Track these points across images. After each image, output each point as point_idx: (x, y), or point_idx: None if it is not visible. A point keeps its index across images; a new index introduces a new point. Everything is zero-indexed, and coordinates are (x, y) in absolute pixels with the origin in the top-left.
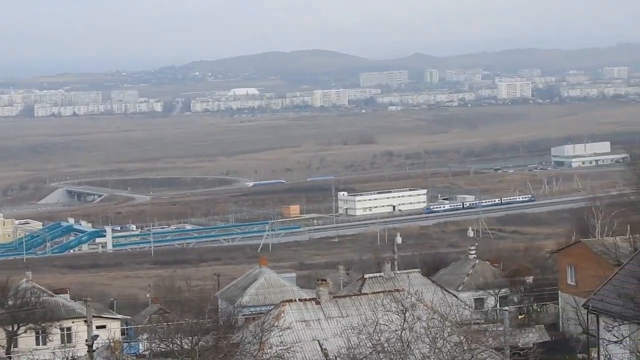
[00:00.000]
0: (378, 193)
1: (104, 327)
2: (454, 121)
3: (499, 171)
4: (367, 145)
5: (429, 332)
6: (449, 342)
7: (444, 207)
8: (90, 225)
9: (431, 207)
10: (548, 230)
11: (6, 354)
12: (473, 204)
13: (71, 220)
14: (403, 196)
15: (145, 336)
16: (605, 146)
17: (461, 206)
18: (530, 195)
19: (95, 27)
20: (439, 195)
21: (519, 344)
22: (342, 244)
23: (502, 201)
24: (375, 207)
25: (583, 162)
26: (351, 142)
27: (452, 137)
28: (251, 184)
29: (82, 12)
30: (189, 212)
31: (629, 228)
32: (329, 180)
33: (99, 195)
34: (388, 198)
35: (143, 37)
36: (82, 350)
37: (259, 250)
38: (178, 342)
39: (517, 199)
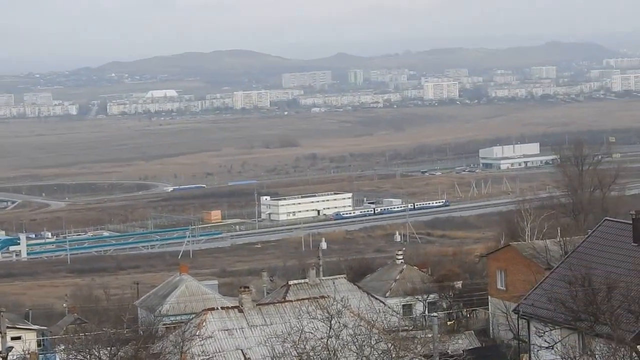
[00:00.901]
0: (302, 197)
1: (19, 338)
2: (380, 123)
3: (426, 174)
4: (290, 148)
5: (355, 340)
6: (376, 350)
7: (353, 213)
8: (3, 232)
9: (341, 213)
10: (477, 234)
11: None
12: (384, 209)
13: None
14: (327, 200)
15: (62, 347)
16: (534, 147)
17: (372, 212)
18: (444, 200)
19: (5, 27)
20: (365, 199)
21: (448, 351)
22: (265, 250)
23: (415, 206)
24: (299, 211)
25: (512, 164)
26: (273, 145)
27: (378, 140)
28: (170, 189)
29: None
30: (107, 219)
31: (559, 231)
32: (251, 184)
33: (13, 202)
34: (312, 202)
35: (56, 37)
36: None
37: (179, 258)
38: (96, 353)
39: (431, 204)
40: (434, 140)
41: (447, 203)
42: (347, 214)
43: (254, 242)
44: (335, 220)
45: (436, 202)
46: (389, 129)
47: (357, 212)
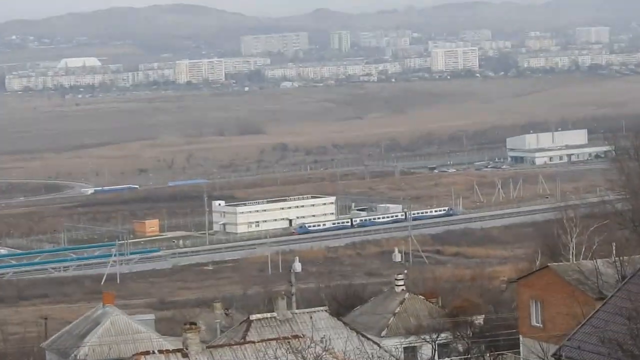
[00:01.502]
0: (268, 202)
1: None
2: (373, 103)
3: (435, 171)
4: (252, 136)
5: None
6: None
7: (324, 225)
8: None
9: (306, 225)
10: (504, 251)
11: None
12: (366, 220)
13: None
14: (303, 206)
15: None
16: (580, 136)
17: (349, 224)
18: (447, 209)
19: None
20: (353, 204)
21: None
22: (218, 273)
23: (409, 216)
24: (265, 221)
25: (550, 158)
26: (230, 133)
27: (370, 125)
28: (91, 190)
29: None
30: (4, 231)
31: (614, 247)
32: (199, 185)
33: None
34: (282, 209)
35: None
36: None
37: (102, 283)
38: None
39: (429, 213)
40: (446, 127)
41: (452, 212)
42: (314, 225)
43: (203, 263)
44: (299, 234)
45: (434, 211)
46: (385, 111)
47: (329, 224)
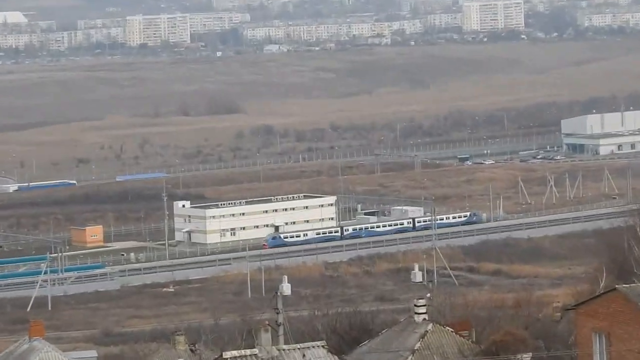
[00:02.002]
0: (247, 204)
1: None
2: (385, 73)
3: (468, 163)
4: (226, 116)
5: None
6: None
7: (305, 235)
8: None
9: (281, 235)
10: (558, 269)
11: None
12: (361, 228)
13: None
14: (294, 208)
15: None
16: None
17: (337, 234)
18: (469, 214)
19: None
20: (359, 207)
21: None
22: (182, 296)
23: (416, 224)
24: (243, 229)
25: (619, 146)
26: (197, 112)
27: (382, 102)
28: (14, 187)
29: None
30: None
31: None
32: (156, 180)
33: None
34: (266, 213)
35: None
36: None
37: (28, 310)
38: None
39: (446, 220)
40: (481, 104)
41: (476, 218)
42: (291, 236)
43: (162, 283)
44: (270, 247)
45: (451, 217)
46: (401, 84)
47: (312, 234)
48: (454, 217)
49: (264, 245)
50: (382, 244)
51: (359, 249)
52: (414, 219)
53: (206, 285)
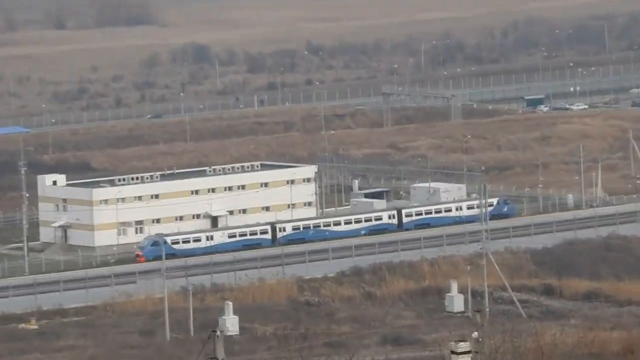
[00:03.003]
0: (163, 179)
1: None
2: None
3: (542, 108)
4: (129, 29)
5: None
6: None
7: (210, 239)
8: None
9: (167, 239)
10: None
11: None
12: (303, 227)
13: None
14: (244, 186)
15: None
16: None
17: (267, 236)
18: (496, 202)
19: None
20: (355, 182)
21: None
22: (53, 337)
23: (403, 219)
24: (156, 221)
25: None
26: (80, 23)
27: (392, 4)
28: None
29: None
30: None
31: None
32: (9, 137)
33: None
34: (196, 194)
35: None
36: None
37: None
38: None
39: (455, 212)
40: (566, 7)
41: (508, 208)
42: (185, 241)
43: (16, 315)
44: (149, 260)
45: (458, 206)
46: None
47: (220, 238)
48: (468, 207)
49: (138, 255)
50: (395, 246)
51: (355, 255)
52: (399, 210)
53: (93, 319)
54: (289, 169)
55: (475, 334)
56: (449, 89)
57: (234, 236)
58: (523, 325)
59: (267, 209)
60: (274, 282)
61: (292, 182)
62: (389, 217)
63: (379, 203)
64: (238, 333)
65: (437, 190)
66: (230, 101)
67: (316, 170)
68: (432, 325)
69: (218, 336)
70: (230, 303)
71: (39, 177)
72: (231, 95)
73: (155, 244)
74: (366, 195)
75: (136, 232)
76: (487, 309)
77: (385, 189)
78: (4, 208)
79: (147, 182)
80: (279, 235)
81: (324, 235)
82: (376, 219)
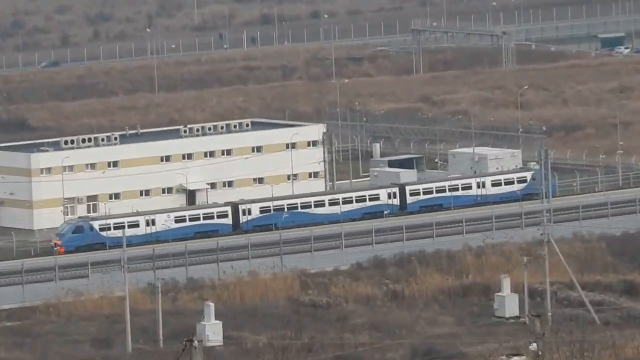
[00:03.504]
0: (123, 141)
1: None
2: None
3: (621, 49)
4: None
5: None
6: None
7: (151, 224)
8: None
9: (93, 224)
10: None
11: None
12: (273, 208)
13: None
14: (230, 151)
15: None
16: None
17: (227, 221)
18: (530, 177)
19: None
20: (376, 146)
21: None
22: None
23: (407, 198)
24: (114, 197)
25: None
26: None
27: None
28: None
29: None
30: None
31: None
32: None
33: None
34: (166, 161)
35: None
36: None
37: None
38: None
39: (476, 190)
40: None
41: (534, 180)
42: (116, 226)
43: None
44: (69, 251)
45: (493, 180)
46: None
47: (165, 222)
48: (493, 183)
49: (56, 244)
50: (428, 231)
51: (376, 242)
52: (402, 187)
53: (31, 325)
54: (288, 129)
55: (533, 346)
56: (499, 25)
57: (183, 220)
58: (597, 335)
59: (260, 180)
60: (268, 276)
61: (293, 145)
62: (389, 197)
63: (408, 174)
64: (222, 343)
65: (484, 157)
66: (211, 39)
67: (324, 131)
68: (477, 334)
69: (195, 347)
70: (212, 304)
71: None
72: (213, 31)
73: (78, 230)
74: (390, 164)
75: (88, 211)
76: (549, 314)
77: (415, 155)
78: None
79: (103, 145)
80: (243, 219)
81: (302, 220)
82: (371, 199)
